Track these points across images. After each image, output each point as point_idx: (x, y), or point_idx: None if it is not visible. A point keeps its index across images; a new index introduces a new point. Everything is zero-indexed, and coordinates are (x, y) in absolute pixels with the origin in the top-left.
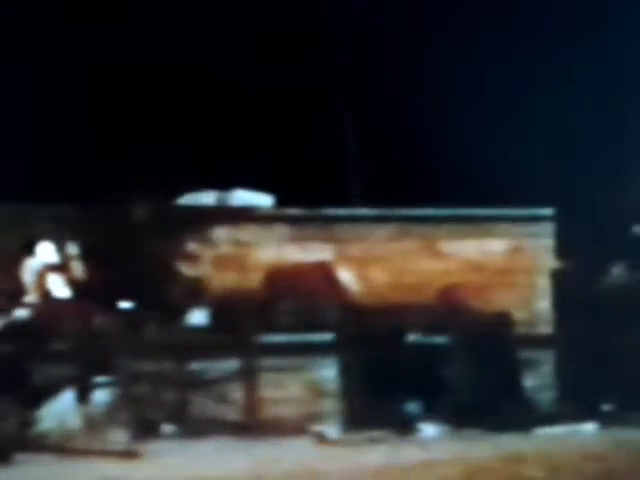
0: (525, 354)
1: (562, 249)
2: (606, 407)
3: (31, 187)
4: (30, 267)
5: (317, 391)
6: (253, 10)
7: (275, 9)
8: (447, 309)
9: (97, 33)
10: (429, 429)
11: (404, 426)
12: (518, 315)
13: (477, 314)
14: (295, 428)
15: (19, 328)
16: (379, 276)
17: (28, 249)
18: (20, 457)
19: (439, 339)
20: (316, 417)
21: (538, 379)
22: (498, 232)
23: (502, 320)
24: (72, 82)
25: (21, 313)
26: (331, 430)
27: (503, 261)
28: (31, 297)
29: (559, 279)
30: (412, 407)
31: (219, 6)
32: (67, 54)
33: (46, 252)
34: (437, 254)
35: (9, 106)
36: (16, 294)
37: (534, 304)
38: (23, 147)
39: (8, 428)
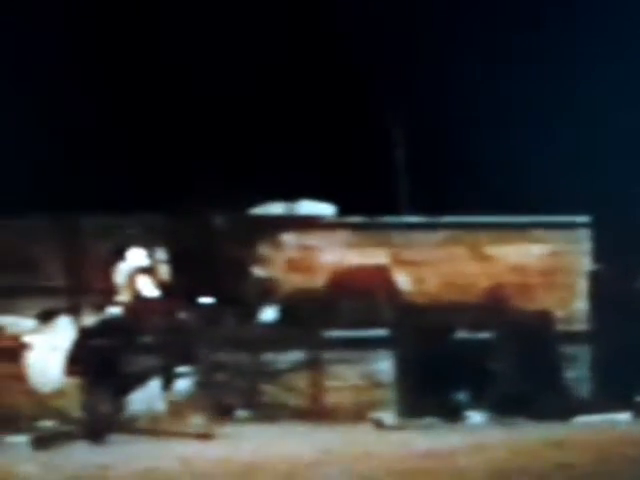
0: (564, 349)
1: (598, 253)
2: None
3: (124, 200)
4: (122, 270)
5: (374, 381)
6: (311, 29)
7: (327, 27)
8: (492, 308)
9: (174, 58)
10: (476, 416)
11: (453, 413)
12: (558, 313)
13: (520, 312)
14: (355, 414)
15: (112, 324)
16: (430, 278)
17: (121, 254)
18: (112, 437)
19: (485, 335)
20: (373, 405)
21: (576, 372)
22: (539, 238)
23: (543, 318)
24: (158, 102)
25: (114, 311)
26: (387, 417)
27: (544, 264)
28: (123, 296)
29: (595, 280)
30: (460, 396)
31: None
32: (151, 70)
33: (136, 256)
34: (483, 258)
35: (103, 126)
36: (110, 294)
37: (572, 303)
38: (120, 165)
39: (103, 412)
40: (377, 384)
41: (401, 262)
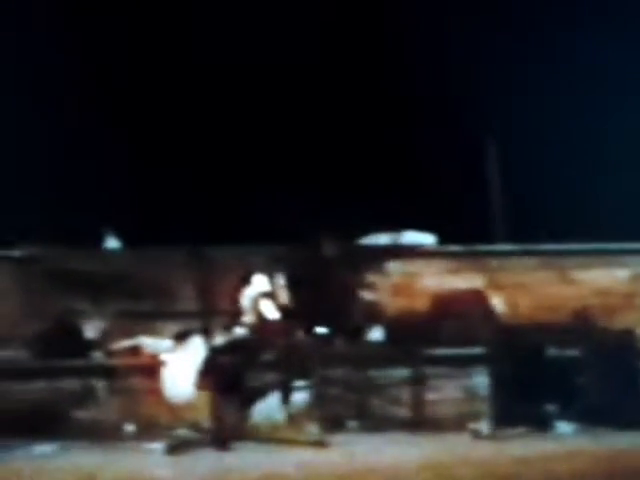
0: None
1: None
2: None
3: (249, 232)
4: (247, 295)
5: (472, 395)
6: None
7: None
8: (579, 327)
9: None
10: (564, 426)
11: (544, 424)
12: (639, 332)
13: (604, 331)
14: (454, 425)
15: (238, 342)
16: (523, 300)
17: (246, 280)
18: (237, 444)
19: (573, 352)
20: (471, 416)
21: None
22: (622, 262)
23: (625, 336)
24: (278, 141)
25: (240, 331)
26: (483, 427)
27: (626, 287)
28: (248, 318)
29: None
30: (550, 408)
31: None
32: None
33: (260, 283)
34: (570, 281)
35: (232, 169)
36: (237, 316)
37: None
38: (246, 202)
39: (229, 422)
40: (474, 397)
41: (496, 286)
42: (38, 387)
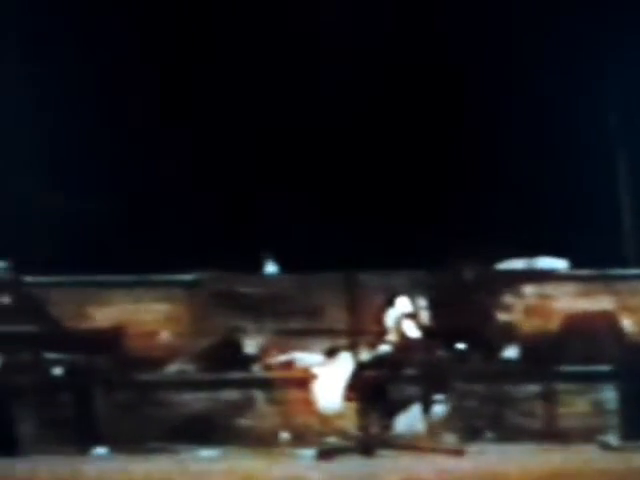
0: None
1: None
2: None
3: (393, 259)
4: (391, 315)
5: (601, 409)
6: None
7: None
8: None
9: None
10: None
11: None
12: None
13: None
14: (583, 437)
15: (383, 359)
16: None
17: (390, 302)
18: (381, 452)
19: None
20: (600, 429)
21: None
22: None
23: None
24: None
25: (384, 348)
26: (612, 439)
27: None
28: (391, 337)
29: None
30: None
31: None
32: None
33: (403, 304)
34: None
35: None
36: (381, 334)
37: None
38: (391, 233)
39: (374, 431)
40: (603, 411)
41: (625, 308)
42: (204, 397)
